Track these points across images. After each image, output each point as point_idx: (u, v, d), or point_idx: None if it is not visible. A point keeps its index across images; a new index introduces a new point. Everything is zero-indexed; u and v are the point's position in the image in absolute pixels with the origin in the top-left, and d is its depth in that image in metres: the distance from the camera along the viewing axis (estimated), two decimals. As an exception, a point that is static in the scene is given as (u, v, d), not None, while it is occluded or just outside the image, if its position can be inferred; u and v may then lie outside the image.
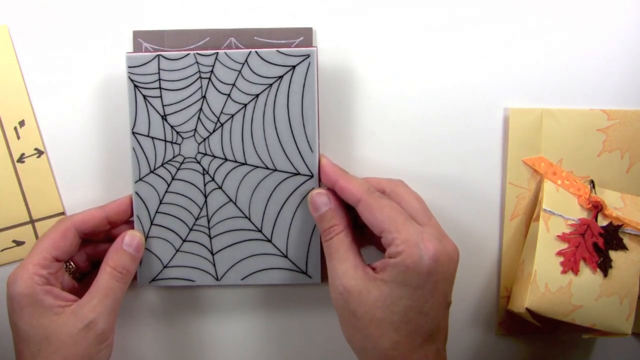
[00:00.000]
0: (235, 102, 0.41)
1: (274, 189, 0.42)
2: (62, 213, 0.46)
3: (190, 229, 0.43)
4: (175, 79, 0.41)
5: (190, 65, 0.41)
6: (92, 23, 0.45)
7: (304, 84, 0.41)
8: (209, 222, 0.43)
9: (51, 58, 0.45)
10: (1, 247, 0.45)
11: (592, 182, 0.46)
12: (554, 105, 0.46)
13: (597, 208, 0.45)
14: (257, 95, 0.41)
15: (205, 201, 0.43)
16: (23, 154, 0.45)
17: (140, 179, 0.42)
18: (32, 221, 0.46)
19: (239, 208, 0.43)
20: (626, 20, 0.46)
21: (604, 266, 0.44)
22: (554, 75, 0.46)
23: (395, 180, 0.42)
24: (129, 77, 0.41)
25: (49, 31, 0.44)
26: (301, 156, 0.42)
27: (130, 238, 0.41)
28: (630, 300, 0.44)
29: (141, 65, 0.41)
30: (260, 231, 0.43)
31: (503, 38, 0.46)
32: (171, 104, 0.41)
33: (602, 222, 0.45)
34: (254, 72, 0.41)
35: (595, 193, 0.45)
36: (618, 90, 0.47)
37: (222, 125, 0.41)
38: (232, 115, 0.41)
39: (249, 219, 0.43)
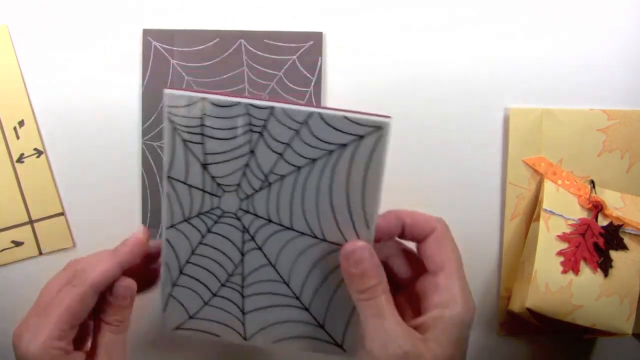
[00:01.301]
0: (288, 163, 0.36)
1: (320, 259, 0.38)
2: (62, 213, 0.46)
3: (222, 285, 0.39)
4: (221, 127, 0.35)
5: (239, 115, 0.35)
6: (93, 23, 0.45)
7: (371, 158, 0.35)
8: (243, 280, 0.39)
9: (51, 58, 0.45)
10: (0, 248, 0.45)
11: (592, 182, 0.46)
12: (554, 105, 0.46)
13: (597, 208, 0.45)
14: (314, 160, 0.36)
15: (242, 259, 0.39)
16: (22, 154, 0.45)
17: (172, 226, 0.38)
18: (31, 221, 0.45)
19: (278, 272, 0.39)
20: (626, 20, 0.46)
21: (605, 266, 0.44)
22: (554, 75, 0.46)
23: (438, 218, 0.38)
24: (168, 118, 0.35)
25: (49, 31, 0.44)
26: (355, 231, 0.37)
27: (118, 289, 0.38)
28: (630, 300, 0.44)
29: (183, 106, 0.35)
30: (298, 298, 0.39)
31: (503, 38, 0.46)
32: (214, 153, 0.36)
33: (603, 222, 0.45)
34: (314, 135, 0.35)
35: (596, 193, 0.46)
36: (618, 90, 0.47)
37: (270, 185, 0.37)
38: (283, 177, 0.36)
39: (288, 285, 0.39)
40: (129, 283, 0.38)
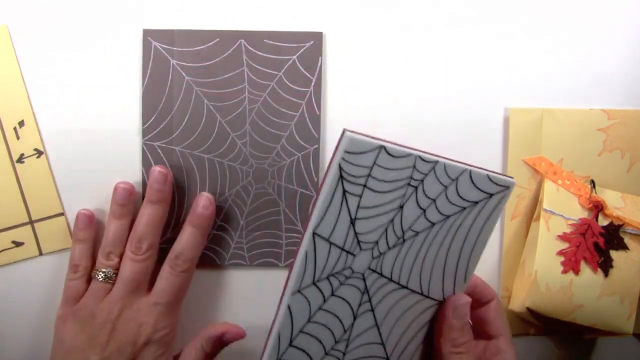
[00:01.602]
0: (427, 219, 0.34)
1: (416, 317, 0.36)
2: (62, 214, 0.45)
3: (326, 353, 0.34)
4: (384, 179, 0.32)
5: (406, 168, 0.32)
6: (93, 23, 0.45)
7: (491, 215, 0.35)
8: (347, 346, 0.35)
9: (51, 58, 0.45)
10: (0, 248, 0.45)
11: (592, 181, 0.46)
12: (554, 105, 0.46)
13: (597, 208, 0.45)
14: (448, 217, 0.34)
15: (353, 323, 0.34)
16: (22, 155, 0.45)
17: (298, 291, 0.32)
18: (31, 222, 0.45)
19: (380, 334, 0.35)
20: (626, 20, 0.46)
21: (605, 266, 0.44)
22: (554, 75, 0.46)
23: (492, 289, 0.42)
24: (340, 164, 0.30)
25: (49, 31, 0.44)
26: (454, 285, 0.36)
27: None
28: (630, 300, 0.44)
29: (358, 153, 0.31)
30: None
31: (503, 38, 0.46)
32: (367, 207, 0.32)
33: (603, 221, 0.45)
34: (457, 192, 0.34)
35: (596, 193, 0.46)
36: (618, 90, 0.47)
37: (403, 242, 0.34)
38: (417, 233, 0.34)
39: (384, 346, 0.36)
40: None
